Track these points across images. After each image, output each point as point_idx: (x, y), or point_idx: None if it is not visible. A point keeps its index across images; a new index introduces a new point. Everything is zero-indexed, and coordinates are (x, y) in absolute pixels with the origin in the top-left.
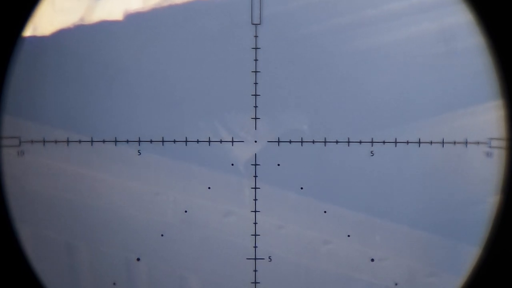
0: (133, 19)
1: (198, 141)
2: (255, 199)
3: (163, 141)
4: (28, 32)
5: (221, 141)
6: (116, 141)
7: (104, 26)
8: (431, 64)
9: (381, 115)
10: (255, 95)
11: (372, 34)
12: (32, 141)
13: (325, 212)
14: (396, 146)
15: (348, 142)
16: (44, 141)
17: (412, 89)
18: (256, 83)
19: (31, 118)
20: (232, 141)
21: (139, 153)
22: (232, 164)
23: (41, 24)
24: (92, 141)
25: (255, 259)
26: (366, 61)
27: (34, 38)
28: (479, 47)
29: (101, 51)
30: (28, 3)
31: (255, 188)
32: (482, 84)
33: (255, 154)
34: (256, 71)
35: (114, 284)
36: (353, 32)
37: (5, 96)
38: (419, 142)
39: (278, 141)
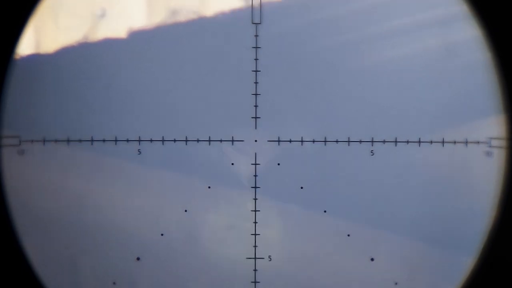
0: (135, 21)
1: (198, 141)
2: (255, 199)
3: (163, 141)
4: (29, 47)
5: (221, 141)
6: (116, 140)
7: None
8: (432, 65)
9: (382, 115)
10: (255, 94)
11: (374, 35)
12: (32, 141)
13: (325, 211)
14: (396, 145)
15: (348, 141)
16: (44, 141)
17: (413, 89)
18: (256, 83)
19: (31, 117)
20: (232, 140)
21: (139, 153)
22: (232, 164)
23: (44, 41)
24: (92, 141)
25: (255, 258)
26: (367, 62)
27: (36, 54)
28: (480, 51)
29: (102, 51)
30: (26, 5)
31: (255, 187)
32: (483, 84)
33: (255, 153)
34: (256, 71)
35: (114, 284)
36: (353, 32)
37: (6, 96)
38: (419, 142)
39: (278, 141)
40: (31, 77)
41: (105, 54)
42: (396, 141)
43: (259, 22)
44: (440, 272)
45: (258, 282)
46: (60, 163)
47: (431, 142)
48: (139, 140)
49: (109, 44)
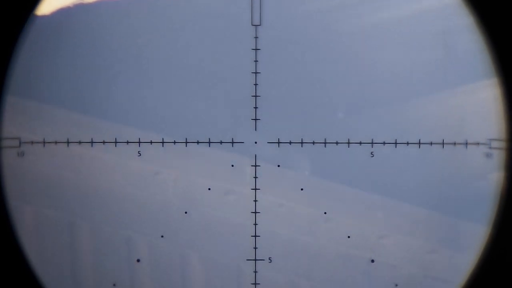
0: (133, 21)
1: (198, 142)
2: (255, 200)
3: (163, 142)
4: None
5: (221, 142)
6: (116, 142)
7: (106, 13)
8: (431, 65)
9: (382, 117)
10: (255, 96)
11: (376, 36)
12: (32, 142)
13: (325, 213)
14: (396, 147)
15: (348, 143)
16: (44, 142)
17: (413, 91)
18: (256, 84)
19: (31, 118)
20: (232, 142)
21: (139, 154)
22: (232, 166)
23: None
24: (92, 142)
25: (255, 260)
26: (367, 63)
27: (36, 26)
28: (481, 48)
29: (102, 52)
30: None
31: (255, 189)
32: (483, 85)
33: (255, 155)
34: (256, 72)
35: (114, 285)
36: (355, 33)
37: (5, 97)
38: (419, 143)
39: (278, 142)
40: (31, 77)
41: (104, 61)
42: (396, 143)
43: (258, 24)
44: (440, 275)
45: (258, 283)
46: (60, 164)
47: (431, 143)
48: (139, 142)
49: (108, 49)
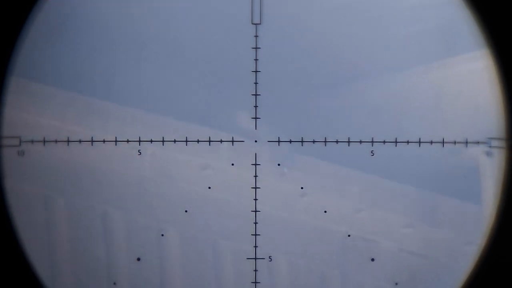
0: (133, 20)
1: (198, 141)
2: (255, 199)
3: (163, 141)
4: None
5: (221, 141)
6: (116, 141)
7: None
8: (431, 65)
9: (382, 115)
10: (255, 94)
11: (376, 33)
12: (32, 141)
13: (325, 212)
14: (396, 146)
15: (348, 142)
16: (44, 141)
17: (413, 90)
18: (256, 83)
19: (31, 117)
20: (232, 141)
21: (139, 153)
22: (232, 164)
23: None
24: (92, 141)
25: (255, 259)
26: (368, 62)
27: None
28: (483, 46)
29: (102, 50)
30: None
31: (255, 188)
32: (484, 84)
33: (255, 154)
34: (256, 71)
35: (114, 284)
36: (355, 31)
37: (6, 95)
38: (419, 142)
39: (278, 141)
40: (30, 75)
41: (104, 60)
42: (396, 142)
43: (259, 23)
44: (438, 278)
45: (259, 282)
46: (60, 163)
47: (431, 142)
48: (139, 141)
49: (107, 47)
